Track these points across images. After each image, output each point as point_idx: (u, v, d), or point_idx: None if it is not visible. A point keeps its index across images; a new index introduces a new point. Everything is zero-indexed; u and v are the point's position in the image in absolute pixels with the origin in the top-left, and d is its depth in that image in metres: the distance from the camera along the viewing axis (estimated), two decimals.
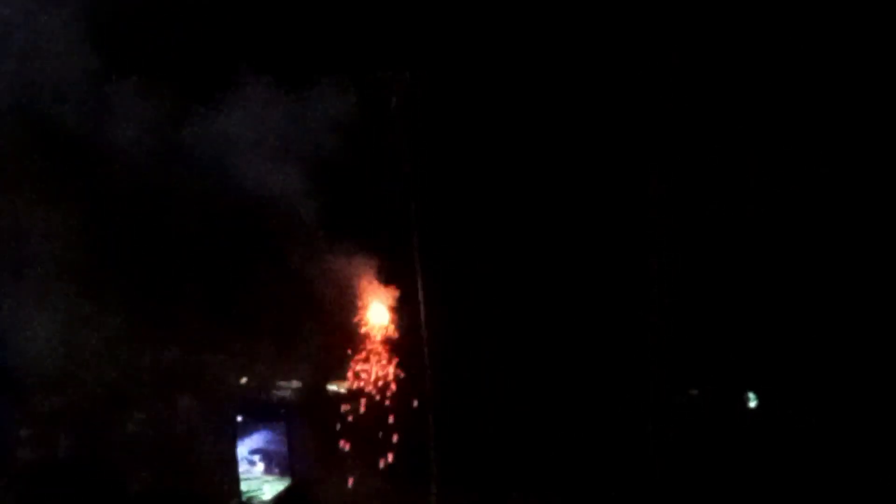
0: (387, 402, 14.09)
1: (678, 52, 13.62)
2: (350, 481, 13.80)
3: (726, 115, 13.58)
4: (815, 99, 13.16)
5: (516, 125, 14.32)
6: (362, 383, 14.02)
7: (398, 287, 14.00)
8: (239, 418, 14.32)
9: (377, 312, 14.13)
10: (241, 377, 13.87)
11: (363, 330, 14.04)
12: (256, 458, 14.48)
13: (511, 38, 14.23)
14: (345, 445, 13.75)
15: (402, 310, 14.06)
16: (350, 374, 14.03)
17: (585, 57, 14.03)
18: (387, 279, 14.10)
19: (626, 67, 13.92)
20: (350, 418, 13.96)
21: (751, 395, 13.84)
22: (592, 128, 14.11)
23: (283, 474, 14.44)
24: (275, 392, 14.35)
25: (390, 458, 13.87)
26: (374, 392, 14.06)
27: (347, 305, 14.02)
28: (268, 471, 14.47)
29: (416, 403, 14.04)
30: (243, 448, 14.42)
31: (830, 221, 13.25)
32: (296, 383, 14.36)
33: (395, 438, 13.89)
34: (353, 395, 14.14)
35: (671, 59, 13.64)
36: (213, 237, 13.79)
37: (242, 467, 14.34)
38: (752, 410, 13.88)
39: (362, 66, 14.24)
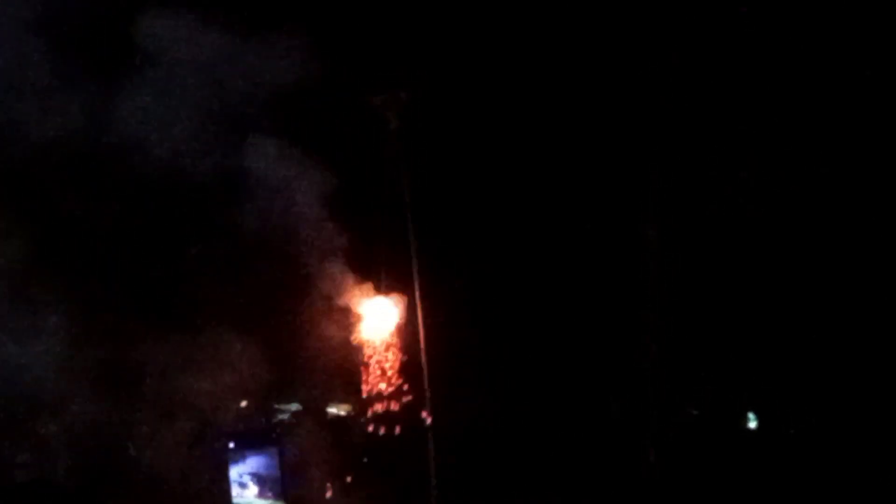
0: (386, 423, 13.98)
1: (677, 53, 13.70)
2: None
3: (725, 116, 13.69)
4: (815, 99, 13.29)
5: (514, 143, 14.35)
6: (362, 404, 13.91)
7: (397, 302, 13.94)
8: (231, 445, 13.99)
9: (375, 329, 14.04)
10: (240, 401, 13.62)
11: (362, 348, 13.95)
12: (249, 481, 14.16)
13: (508, 56, 14.28)
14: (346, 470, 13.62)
15: (401, 325, 13.98)
16: (349, 395, 13.93)
17: (583, 69, 14.08)
18: (385, 294, 14.04)
19: (623, 73, 13.98)
20: (351, 441, 13.86)
21: (751, 416, 13.94)
22: (590, 141, 14.16)
23: (276, 498, 14.14)
24: (275, 414, 14.05)
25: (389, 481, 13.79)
26: (374, 413, 13.91)
27: (346, 324, 13.91)
28: (261, 494, 14.16)
29: (416, 423, 13.92)
30: (235, 471, 14.09)
31: (830, 233, 13.39)
32: (295, 406, 14.11)
33: (395, 461, 13.83)
34: (354, 418, 13.99)
35: (670, 59, 13.72)
36: (209, 260, 13.66)
37: (234, 490, 14.02)
38: (752, 431, 13.96)
39: (360, 87, 14.24)
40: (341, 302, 14.00)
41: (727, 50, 13.56)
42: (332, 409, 14.29)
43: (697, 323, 13.91)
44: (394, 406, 13.98)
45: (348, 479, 13.89)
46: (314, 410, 14.26)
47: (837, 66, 13.19)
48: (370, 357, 13.91)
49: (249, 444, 14.10)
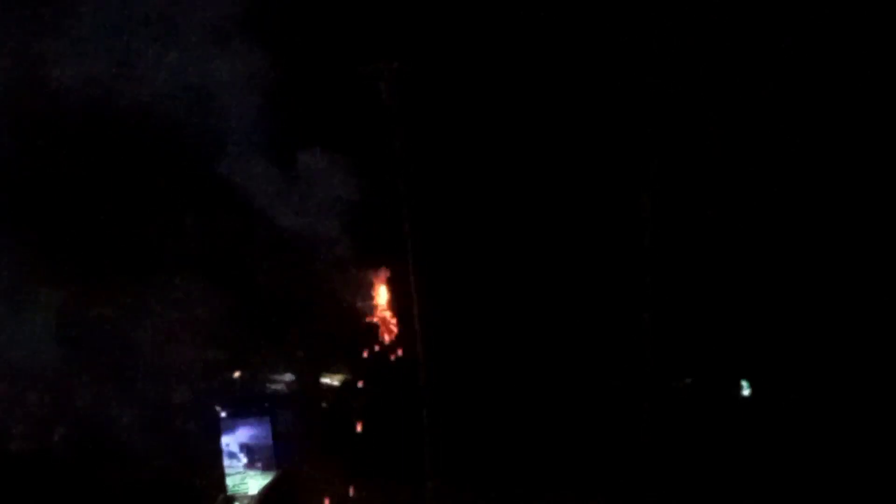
0: (379, 394, 13.94)
1: (676, 52, 13.73)
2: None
3: (720, 111, 13.71)
4: (811, 98, 13.33)
5: (510, 112, 14.32)
6: (356, 374, 13.89)
7: (391, 273, 13.93)
8: (222, 414, 13.93)
9: (370, 299, 14.03)
10: (234, 370, 13.59)
11: (357, 317, 13.95)
12: (239, 451, 14.08)
13: (504, 28, 14.26)
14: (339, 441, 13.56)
15: (396, 297, 13.95)
16: (343, 365, 13.89)
17: (581, 49, 14.08)
18: (380, 266, 14.05)
19: (623, 57, 13.98)
20: (342, 411, 13.80)
21: (744, 384, 13.83)
22: (586, 117, 14.15)
23: (266, 468, 14.05)
24: (268, 385, 13.99)
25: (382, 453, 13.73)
26: (368, 383, 13.89)
27: (340, 293, 13.92)
28: (250, 465, 14.07)
29: (411, 394, 13.85)
30: (225, 441, 14.00)
31: (822, 209, 13.40)
32: (289, 376, 14.06)
33: (389, 431, 13.76)
34: (347, 387, 13.94)
35: (669, 57, 13.74)
36: (209, 231, 13.66)
37: (225, 461, 13.94)
38: (745, 398, 13.85)
39: (352, 56, 14.25)
40: (336, 272, 14.08)
41: (724, 50, 13.61)
42: (326, 380, 14.20)
43: (691, 294, 13.83)
44: (388, 375, 13.97)
45: (341, 450, 13.85)
46: (308, 380, 14.16)
47: (833, 68, 13.23)
48: (366, 324, 13.96)
49: (241, 413, 14.02)
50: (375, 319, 14.79)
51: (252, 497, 13.75)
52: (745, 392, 13.83)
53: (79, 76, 12.76)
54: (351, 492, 13.86)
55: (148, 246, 13.45)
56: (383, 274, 14.79)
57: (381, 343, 14.75)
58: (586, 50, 14.06)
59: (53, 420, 13.15)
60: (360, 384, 14.29)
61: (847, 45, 13.22)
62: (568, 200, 14.34)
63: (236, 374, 14.11)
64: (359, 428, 14.06)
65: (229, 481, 13.81)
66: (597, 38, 14.04)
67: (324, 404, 14.20)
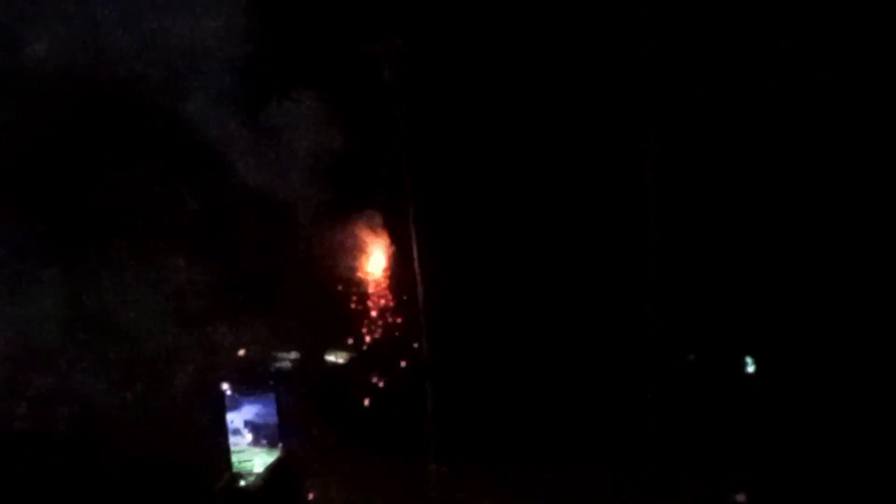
0: (384, 371, 13.98)
1: (675, 45, 13.75)
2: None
3: (720, 106, 13.74)
4: (808, 93, 13.35)
5: (511, 92, 14.33)
6: (360, 352, 13.92)
7: (394, 248, 13.97)
8: (228, 391, 13.95)
9: (372, 273, 14.07)
10: (238, 348, 13.59)
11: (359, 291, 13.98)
12: (243, 428, 14.12)
13: (506, 9, 14.27)
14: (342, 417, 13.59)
15: (397, 273, 13.99)
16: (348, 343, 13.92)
17: (582, 39, 14.12)
18: (382, 242, 14.07)
19: (622, 44, 14.01)
20: (348, 389, 13.83)
21: (748, 360, 13.87)
22: (589, 99, 14.17)
23: (271, 446, 14.10)
24: (273, 363, 14.01)
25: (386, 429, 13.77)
26: (371, 361, 13.91)
27: (343, 268, 13.94)
28: (255, 442, 14.11)
29: (413, 372, 13.90)
30: (229, 418, 14.04)
31: (822, 189, 13.42)
32: (294, 354, 14.08)
33: (392, 410, 13.81)
34: (352, 365, 13.97)
35: (668, 50, 13.77)
36: (208, 205, 13.66)
37: (229, 438, 13.98)
38: (749, 375, 13.89)
39: (355, 36, 14.25)
40: (338, 248, 14.08)
41: (722, 45, 13.62)
42: (331, 357, 14.23)
43: (694, 270, 13.86)
44: (392, 353, 14.00)
45: (346, 426, 13.88)
46: (312, 358, 14.18)
47: (831, 64, 13.25)
48: (368, 300, 13.99)
49: (246, 390, 14.06)
50: (374, 292, 14.75)
51: (258, 475, 13.79)
52: (750, 368, 13.87)
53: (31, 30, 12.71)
54: (355, 470, 13.90)
55: (121, 216, 13.38)
56: (382, 246, 14.74)
57: (383, 318, 14.72)
58: (589, 34, 14.11)
59: (55, 400, 13.15)
60: (363, 362, 14.28)
61: (847, 45, 13.24)
62: (570, 181, 14.36)
63: (241, 352, 14.09)
64: (363, 404, 14.08)
65: (234, 458, 13.85)
66: (602, 31, 14.08)
67: (329, 382, 14.19)
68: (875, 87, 13.20)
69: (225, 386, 13.84)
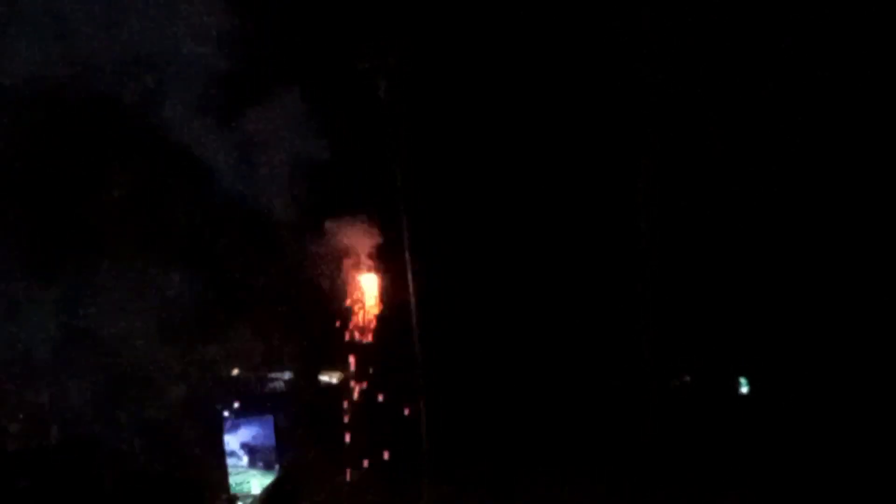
0: (378, 391, 13.99)
1: (670, 47, 13.67)
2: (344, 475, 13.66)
3: (716, 110, 13.69)
4: (805, 94, 13.31)
5: (506, 110, 14.27)
6: (354, 372, 13.92)
7: (389, 269, 13.95)
8: (225, 414, 13.97)
9: (367, 295, 14.04)
10: (232, 368, 13.59)
11: (354, 314, 13.96)
12: (240, 450, 14.14)
13: (500, 24, 14.16)
14: (337, 437, 13.61)
15: (393, 292, 13.98)
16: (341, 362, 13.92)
17: (576, 44, 14.02)
18: (377, 262, 14.05)
19: (616, 56, 13.94)
20: (341, 410, 13.85)
21: (742, 381, 13.96)
22: (582, 112, 14.12)
23: (267, 468, 14.13)
24: (267, 383, 14.02)
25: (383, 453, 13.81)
26: (365, 381, 13.92)
27: (337, 290, 13.92)
28: (252, 464, 14.13)
29: (408, 392, 13.92)
30: (227, 440, 14.06)
31: (818, 206, 13.43)
32: (288, 374, 14.09)
33: (387, 430, 13.84)
34: (346, 385, 13.98)
35: (662, 52, 13.69)
36: (203, 226, 13.59)
37: (227, 460, 14.01)
38: (743, 396, 13.99)
39: (350, 53, 14.11)
40: (332, 266, 14.07)
41: (718, 47, 13.54)
42: (324, 377, 14.24)
43: (689, 291, 13.89)
44: (384, 371, 14.02)
45: (340, 446, 13.93)
46: (306, 378, 14.20)
47: (828, 64, 13.19)
48: (360, 320, 13.98)
49: (243, 412, 14.07)
50: (365, 310, 14.75)
51: (255, 497, 13.84)
52: (744, 389, 13.97)
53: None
54: (350, 486, 13.97)
55: (105, 231, 13.32)
56: (374, 264, 14.72)
57: (376, 336, 14.72)
58: (585, 46, 14.01)
59: (50, 419, 13.15)
60: (356, 382, 14.29)
61: (847, 46, 13.19)
62: (566, 198, 14.34)
63: (234, 372, 14.11)
64: (355, 424, 14.12)
65: (231, 481, 13.88)
66: (596, 35, 13.98)
67: (322, 402, 14.23)
68: (875, 90, 13.21)
69: (222, 409, 13.83)
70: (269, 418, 14.05)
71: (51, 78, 12.64)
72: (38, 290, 13.07)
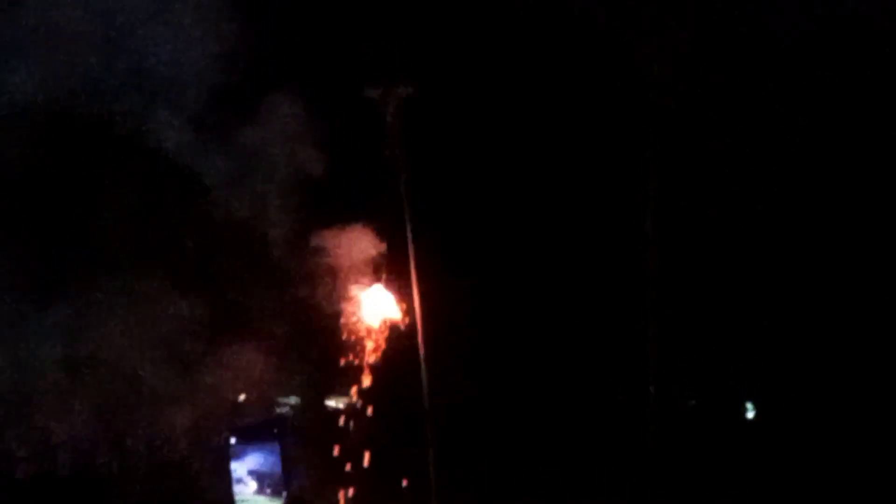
0: (384, 416, 13.96)
1: (673, 53, 13.79)
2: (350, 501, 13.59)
3: (721, 118, 13.80)
4: (810, 101, 13.41)
5: (510, 136, 14.41)
6: (360, 397, 13.89)
7: (394, 289, 13.97)
8: (232, 440, 13.91)
9: (372, 320, 14.05)
10: (238, 394, 13.53)
11: (359, 338, 13.95)
12: (247, 476, 14.08)
13: (504, 51, 14.34)
14: (345, 464, 13.55)
15: (397, 316, 14.00)
16: (347, 386, 13.88)
17: (579, 64, 14.17)
18: (383, 283, 14.06)
19: (618, 71, 14.08)
20: (348, 435, 13.81)
21: (748, 406, 14.02)
22: (586, 136, 14.25)
23: (274, 494, 14.05)
24: (274, 408, 13.98)
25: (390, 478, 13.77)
26: (371, 405, 13.89)
27: (342, 314, 13.91)
28: (260, 491, 14.06)
29: (414, 416, 13.92)
30: (234, 467, 14.00)
31: (826, 229, 13.54)
32: (294, 399, 14.05)
33: (393, 454, 13.80)
34: (353, 410, 13.93)
35: (667, 60, 13.82)
36: (208, 251, 13.58)
37: (234, 487, 13.94)
38: (749, 421, 14.05)
39: (357, 81, 14.23)
40: (338, 291, 14.05)
41: (720, 52, 13.69)
42: (331, 403, 14.21)
43: (696, 316, 13.99)
44: (392, 396, 13.99)
45: (347, 472, 13.86)
46: (313, 403, 14.17)
47: (831, 70, 13.35)
48: (366, 345, 13.97)
49: (250, 439, 14.00)
50: (373, 335, 14.74)
51: None
52: (750, 415, 14.04)
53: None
54: None
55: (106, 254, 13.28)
56: (381, 290, 14.72)
57: (383, 362, 14.69)
58: (587, 81, 14.19)
59: (57, 444, 13.05)
60: (363, 406, 14.26)
61: (848, 46, 13.30)
62: (571, 223, 14.46)
63: (241, 397, 14.04)
64: (364, 453, 14.07)
65: None
66: (599, 67, 14.16)
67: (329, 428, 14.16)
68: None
69: (229, 435, 13.77)
70: (276, 445, 14.02)
71: (36, 96, 12.68)
72: (36, 314, 13.05)
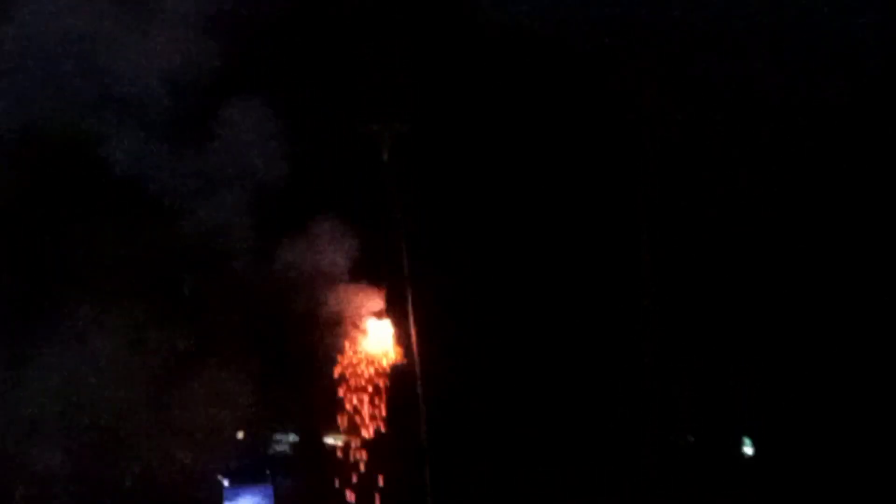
0: (382, 450, 13.80)
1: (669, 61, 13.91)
2: None
3: (716, 123, 13.91)
4: (810, 103, 13.51)
5: (505, 173, 14.46)
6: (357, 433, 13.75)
7: (391, 329, 13.89)
8: (225, 483, 13.65)
9: (369, 353, 13.95)
10: (237, 430, 13.31)
11: (355, 373, 13.84)
12: None
13: (498, 87, 14.45)
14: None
15: (395, 354, 13.92)
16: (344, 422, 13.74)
17: (574, 83, 14.28)
18: (380, 323, 13.98)
19: (612, 88, 14.19)
20: (346, 472, 13.63)
21: (747, 441, 14.05)
22: (580, 161, 14.33)
23: None
24: (272, 446, 13.75)
25: None
26: (369, 441, 13.74)
27: (339, 350, 13.81)
28: None
29: (412, 450, 13.78)
30: None
31: (824, 249, 13.59)
32: (293, 436, 13.83)
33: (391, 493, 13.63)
34: (350, 447, 13.76)
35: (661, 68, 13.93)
36: (209, 286, 13.46)
37: None
38: (747, 457, 14.07)
39: (354, 118, 14.27)
40: (336, 326, 13.96)
41: (716, 57, 13.77)
42: (329, 440, 14.00)
43: (694, 351, 14.04)
44: (389, 433, 13.85)
45: None
46: (311, 441, 13.97)
47: (828, 73, 13.44)
48: (363, 380, 13.85)
49: (243, 481, 13.75)
50: (371, 373, 14.60)
51: None
52: (748, 451, 14.05)
53: None
54: None
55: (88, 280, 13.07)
56: (379, 327, 14.63)
57: (380, 399, 14.56)
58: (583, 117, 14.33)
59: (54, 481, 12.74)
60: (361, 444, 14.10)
61: (848, 48, 13.43)
62: (567, 261, 14.49)
63: (240, 435, 13.80)
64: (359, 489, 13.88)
65: None
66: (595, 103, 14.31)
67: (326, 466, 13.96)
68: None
69: (223, 478, 13.52)
70: (270, 487, 13.78)
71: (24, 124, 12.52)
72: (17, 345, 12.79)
